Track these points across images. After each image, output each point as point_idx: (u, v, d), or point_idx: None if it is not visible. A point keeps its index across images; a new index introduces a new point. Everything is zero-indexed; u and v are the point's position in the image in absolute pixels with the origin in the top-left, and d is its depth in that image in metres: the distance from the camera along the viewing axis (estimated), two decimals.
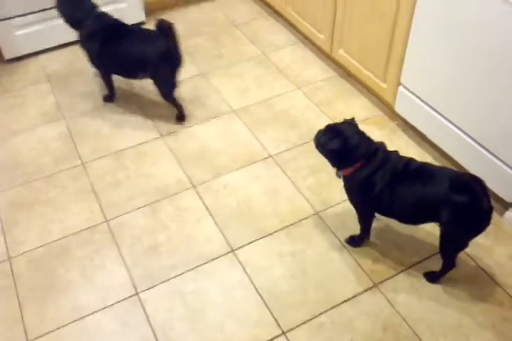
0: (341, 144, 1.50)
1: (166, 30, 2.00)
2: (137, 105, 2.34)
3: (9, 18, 2.47)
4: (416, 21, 1.79)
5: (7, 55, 2.61)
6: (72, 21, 2.10)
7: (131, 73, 2.16)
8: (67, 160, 2.10)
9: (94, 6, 2.11)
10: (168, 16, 2.87)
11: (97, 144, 2.16)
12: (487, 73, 1.59)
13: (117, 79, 2.29)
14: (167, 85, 2.13)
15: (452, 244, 1.52)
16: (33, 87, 2.48)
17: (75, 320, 1.58)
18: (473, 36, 1.59)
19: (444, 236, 1.49)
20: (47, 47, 2.60)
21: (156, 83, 2.11)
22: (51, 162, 2.10)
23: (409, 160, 1.52)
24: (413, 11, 1.78)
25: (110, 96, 2.35)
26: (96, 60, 2.15)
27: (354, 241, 1.74)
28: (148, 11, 2.81)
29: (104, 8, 2.55)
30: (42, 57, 2.63)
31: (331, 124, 1.58)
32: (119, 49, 2.05)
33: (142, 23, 2.76)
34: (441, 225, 1.48)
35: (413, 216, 1.54)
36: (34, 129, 2.25)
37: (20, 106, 2.37)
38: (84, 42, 2.13)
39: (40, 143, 2.18)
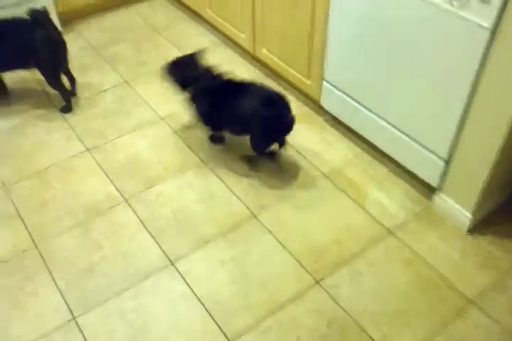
0: (180, 72, 1.95)
1: (39, 18, 2.04)
2: (59, 118, 2.24)
3: None
4: (333, 16, 1.80)
5: None
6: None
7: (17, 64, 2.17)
8: None
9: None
10: (85, 25, 2.80)
11: (18, 164, 2.06)
12: (400, 64, 1.63)
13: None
14: (52, 71, 2.17)
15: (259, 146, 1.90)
16: None
17: None
18: (387, 29, 1.61)
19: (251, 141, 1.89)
20: None
21: (41, 70, 2.14)
22: None
23: (230, 79, 1.92)
24: (329, 4, 1.79)
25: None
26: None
27: None
28: (64, 21, 2.70)
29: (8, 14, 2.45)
30: None
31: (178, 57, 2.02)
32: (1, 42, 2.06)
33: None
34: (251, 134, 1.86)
35: (235, 127, 1.92)
36: None
37: None
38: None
39: None
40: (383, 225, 1.78)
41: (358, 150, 2.05)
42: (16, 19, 2.13)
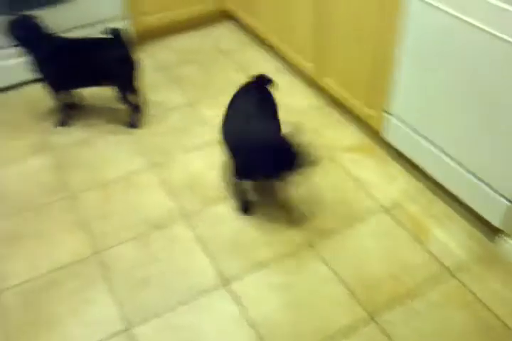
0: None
1: (116, 37, 2.14)
2: (126, 132, 2.34)
3: None
4: (401, 49, 1.82)
5: None
6: (28, 45, 2.17)
7: (94, 81, 2.30)
8: (56, 192, 2.07)
9: (46, 29, 2.20)
10: (157, 45, 2.92)
11: (86, 174, 2.14)
12: (472, 102, 1.62)
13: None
14: (125, 88, 2.27)
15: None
16: (20, 117, 2.47)
17: None
18: (457, 66, 1.62)
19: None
20: (31, 78, 2.57)
21: (115, 86, 2.25)
22: (40, 193, 2.07)
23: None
24: (397, 40, 1.81)
25: (66, 119, 2.40)
26: (57, 78, 2.24)
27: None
28: (137, 41, 2.83)
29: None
30: (27, 88, 2.62)
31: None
32: (81, 60, 2.18)
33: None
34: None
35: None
36: (22, 161, 2.22)
37: (8, 138, 2.35)
38: (44, 62, 2.19)
39: (28, 175, 2.16)
40: (443, 264, 1.75)
41: (419, 185, 2.03)
42: (94, 38, 2.25)
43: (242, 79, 2.61)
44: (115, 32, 2.14)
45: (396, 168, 2.12)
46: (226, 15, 3.08)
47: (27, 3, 2.39)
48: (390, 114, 2.02)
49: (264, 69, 2.72)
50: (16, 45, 2.21)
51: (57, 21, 2.48)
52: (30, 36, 2.15)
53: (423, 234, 1.85)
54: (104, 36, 2.16)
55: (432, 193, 2.00)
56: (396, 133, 2.04)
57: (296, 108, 2.45)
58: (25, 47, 2.20)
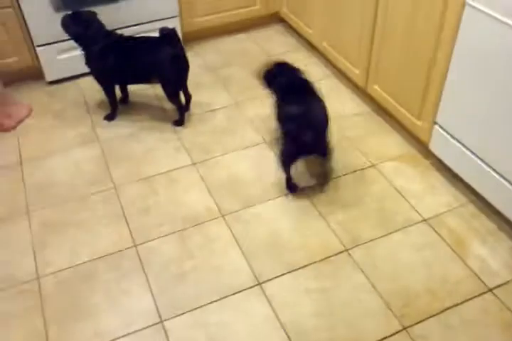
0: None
1: (169, 37, 2.17)
2: (171, 130, 2.38)
3: (53, 43, 2.56)
4: (454, 61, 1.79)
5: (48, 78, 2.69)
6: (83, 40, 2.25)
7: (144, 78, 2.35)
8: (100, 183, 2.13)
9: (102, 25, 2.27)
10: (205, 46, 2.96)
11: (129, 168, 2.19)
12: None
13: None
14: (174, 86, 2.31)
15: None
16: (71, 108, 2.54)
17: None
18: (509, 78, 1.58)
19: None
20: (86, 71, 2.67)
21: (163, 85, 2.27)
22: (84, 184, 2.13)
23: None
24: (452, 51, 1.78)
25: (114, 113, 2.46)
26: (108, 73, 2.31)
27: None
28: (186, 41, 2.88)
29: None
30: (81, 80, 2.71)
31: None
32: (132, 58, 2.23)
33: None
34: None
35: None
36: (69, 151, 2.29)
37: (58, 128, 2.43)
38: (97, 57, 2.26)
39: (74, 165, 2.22)
40: (483, 282, 1.71)
41: (463, 199, 1.99)
42: (146, 37, 2.30)
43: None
44: (168, 31, 2.18)
45: (440, 180, 2.08)
46: (277, 18, 3.09)
47: (83, 0, 2.46)
48: (438, 125, 1.98)
49: (310, 73, 2.71)
50: (71, 39, 2.29)
51: (112, 18, 2.55)
52: (84, 32, 2.22)
53: (463, 249, 1.81)
54: (157, 35, 2.21)
55: (476, 208, 1.96)
56: (443, 145, 2.00)
57: (342, 114, 2.43)
58: (80, 42, 2.27)
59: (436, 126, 1.99)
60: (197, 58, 2.87)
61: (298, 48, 2.92)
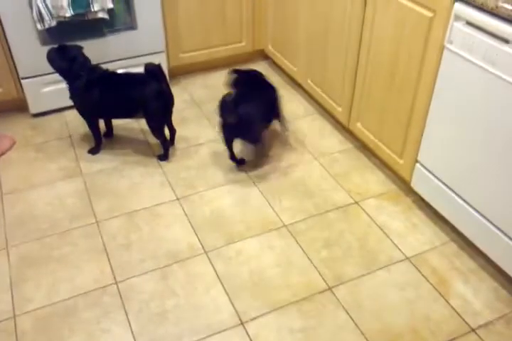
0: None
1: (154, 72, 2.21)
2: (155, 164, 2.38)
3: (39, 76, 2.57)
4: (434, 102, 1.85)
5: (33, 110, 2.69)
6: (68, 74, 2.27)
7: (128, 113, 2.38)
8: (82, 218, 2.11)
9: (87, 60, 2.29)
10: (191, 80, 3.00)
11: (112, 202, 2.18)
12: (503, 156, 1.62)
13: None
14: (158, 121, 2.33)
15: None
16: (54, 141, 2.54)
17: None
18: (490, 121, 1.63)
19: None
20: (71, 104, 2.68)
21: (148, 120, 2.31)
22: (66, 218, 2.10)
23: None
24: (432, 92, 1.84)
25: (98, 147, 2.47)
26: (92, 108, 2.32)
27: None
28: (171, 75, 2.92)
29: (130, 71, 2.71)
30: (66, 113, 2.72)
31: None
32: (117, 93, 2.25)
33: None
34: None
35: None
36: (52, 184, 2.27)
37: (41, 161, 2.41)
38: (81, 92, 2.27)
39: (56, 199, 2.20)
40: (466, 322, 1.71)
41: (445, 237, 2.01)
42: (131, 73, 2.34)
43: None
44: (153, 67, 2.22)
45: (422, 218, 2.11)
46: (262, 55, 3.17)
47: (69, 34, 2.49)
48: (420, 164, 2.02)
49: (294, 110, 2.77)
50: (56, 72, 2.30)
51: (98, 52, 2.59)
52: (69, 67, 2.23)
53: (446, 288, 1.82)
54: (141, 71, 2.23)
55: (458, 246, 1.98)
56: (424, 183, 2.04)
57: (324, 151, 2.47)
58: (64, 76, 2.28)
59: (418, 165, 2.03)
60: (183, 93, 2.91)
61: (282, 85, 2.98)
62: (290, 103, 2.82)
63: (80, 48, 2.28)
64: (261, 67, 3.16)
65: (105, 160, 2.42)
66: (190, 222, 2.09)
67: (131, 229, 2.06)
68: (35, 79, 2.58)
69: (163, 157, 2.41)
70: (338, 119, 2.54)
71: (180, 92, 2.89)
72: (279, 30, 2.86)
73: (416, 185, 2.09)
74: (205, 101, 2.83)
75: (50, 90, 2.63)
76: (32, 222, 2.09)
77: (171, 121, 2.43)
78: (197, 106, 2.80)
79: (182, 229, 2.06)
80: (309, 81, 2.69)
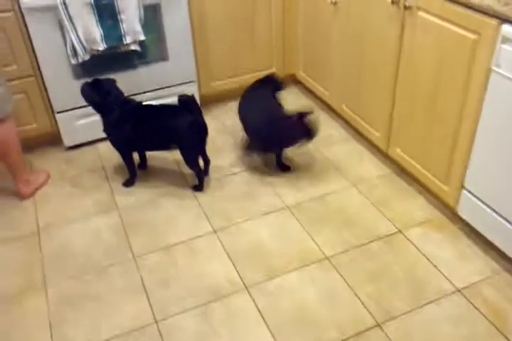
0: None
1: (188, 104, 2.18)
2: (190, 196, 2.34)
3: (72, 109, 2.59)
4: (481, 126, 1.77)
5: (67, 143, 2.71)
6: (102, 108, 2.27)
7: (163, 146, 2.35)
8: (119, 254, 2.07)
9: (120, 93, 2.29)
10: (221, 109, 2.99)
11: (149, 237, 2.14)
12: None
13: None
14: (193, 153, 2.30)
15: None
16: (89, 175, 2.53)
17: None
18: None
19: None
20: (104, 136, 2.69)
21: (182, 151, 2.27)
22: (102, 254, 2.07)
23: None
24: (479, 116, 1.77)
25: (132, 179, 2.44)
26: (126, 141, 2.31)
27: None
28: (203, 104, 2.91)
29: (162, 101, 2.71)
30: (99, 145, 2.72)
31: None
32: (151, 126, 2.23)
33: None
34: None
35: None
36: (87, 219, 2.26)
37: (76, 195, 2.40)
38: (115, 125, 2.27)
39: (92, 234, 2.18)
40: None
41: (496, 266, 1.91)
42: (165, 104, 2.33)
43: (309, 147, 2.62)
44: (186, 98, 2.20)
45: (470, 246, 2.01)
46: (293, 80, 3.13)
47: (102, 67, 2.51)
48: (466, 190, 1.93)
49: (330, 136, 2.71)
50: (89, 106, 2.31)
51: (131, 84, 2.60)
52: (102, 100, 2.24)
53: (503, 323, 1.71)
54: (175, 103, 2.22)
55: (511, 275, 1.87)
56: (472, 210, 1.94)
57: (362, 176, 2.40)
58: (98, 110, 2.29)
59: (465, 191, 1.94)
60: (215, 121, 2.89)
61: (317, 110, 2.93)
62: (324, 127, 2.76)
63: (113, 82, 2.29)
64: (292, 91, 3.13)
65: (140, 193, 2.40)
66: (228, 255, 2.04)
67: (169, 264, 2.01)
68: (68, 112, 2.60)
69: (198, 188, 2.38)
70: (375, 144, 2.47)
71: (212, 121, 2.87)
72: (311, 55, 2.83)
73: (463, 212, 1.99)
74: (238, 130, 2.79)
75: (84, 123, 2.65)
76: (69, 258, 2.07)
77: (205, 151, 2.40)
78: (229, 135, 2.78)
79: (220, 263, 2.00)
80: (344, 106, 2.64)
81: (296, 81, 3.13)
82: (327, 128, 2.77)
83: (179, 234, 2.15)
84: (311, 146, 2.61)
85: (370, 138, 2.49)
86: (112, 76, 2.51)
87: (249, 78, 2.97)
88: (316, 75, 2.85)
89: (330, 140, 2.68)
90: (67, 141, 2.70)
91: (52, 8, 2.24)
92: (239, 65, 2.90)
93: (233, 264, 2.00)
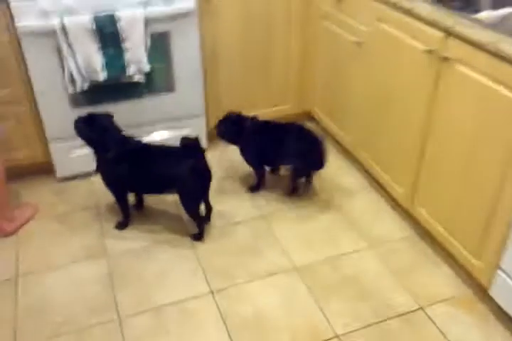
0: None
1: (190, 147, 1.98)
2: (187, 245, 2.11)
3: (67, 139, 2.36)
4: None
5: (59, 174, 2.50)
6: (96, 146, 2.05)
7: (160, 190, 2.14)
8: (103, 312, 1.84)
9: (118, 130, 2.07)
10: (229, 145, 2.74)
11: (138, 293, 1.91)
12: None
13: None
14: (193, 201, 2.08)
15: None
16: (80, 212, 2.32)
17: None
18: None
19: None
20: None
21: (182, 198, 2.04)
22: (85, 311, 1.84)
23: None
24: None
25: (126, 222, 2.21)
26: (121, 182, 2.09)
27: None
28: (210, 139, 2.69)
29: (166, 134, 2.49)
30: (94, 178, 2.49)
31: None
32: (149, 169, 2.01)
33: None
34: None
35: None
36: (73, 265, 2.04)
37: (63, 235, 2.19)
38: (109, 165, 2.05)
39: (76, 285, 1.95)
40: None
41: None
42: (166, 146, 2.10)
43: (323, 196, 2.38)
44: (189, 142, 1.98)
45: (500, 331, 1.76)
46: (307, 116, 2.91)
47: (102, 97, 2.30)
48: (502, 271, 1.69)
49: (344, 183, 2.48)
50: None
51: (131, 115, 2.39)
52: (98, 138, 2.02)
53: None
54: (176, 145, 2.01)
55: None
56: (507, 293, 1.70)
57: (380, 237, 2.15)
58: (92, 147, 2.07)
59: (500, 271, 1.70)
60: (222, 158, 2.66)
61: (331, 152, 2.69)
62: (339, 174, 2.53)
63: (111, 117, 2.07)
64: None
65: (133, 238, 2.16)
66: (225, 323, 1.80)
67: (158, 330, 1.77)
68: (63, 142, 2.38)
69: (198, 237, 2.14)
70: (397, 200, 2.23)
71: (219, 158, 2.65)
72: (329, 93, 2.61)
73: (496, 293, 1.75)
74: (245, 169, 2.55)
75: (79, 154, 2.43)
76: (46, 313, 1.84)
77: (207, 198, 2.17)
78: (236, 175, 2.55)
79: (215, 333, 1.76)
80: (362, 151, 2.41)
81: (310, 117, 2.90)
82: (344, 175, 2.54)
83: (171, 292, 1.91)
84: (325, 195, 2.38)
85: (390, 191, 2.25)
86: (112, 105, 2.31)
87: (262, 114, 2.74)
88: (332, 114, 2.62)
89: (345, 189, 2.44)
90: (60, 171, 2.49)
91: (51, 34, 2.03)
92: (251, 99, 2.69)
93: (229, 335, 1.75)
